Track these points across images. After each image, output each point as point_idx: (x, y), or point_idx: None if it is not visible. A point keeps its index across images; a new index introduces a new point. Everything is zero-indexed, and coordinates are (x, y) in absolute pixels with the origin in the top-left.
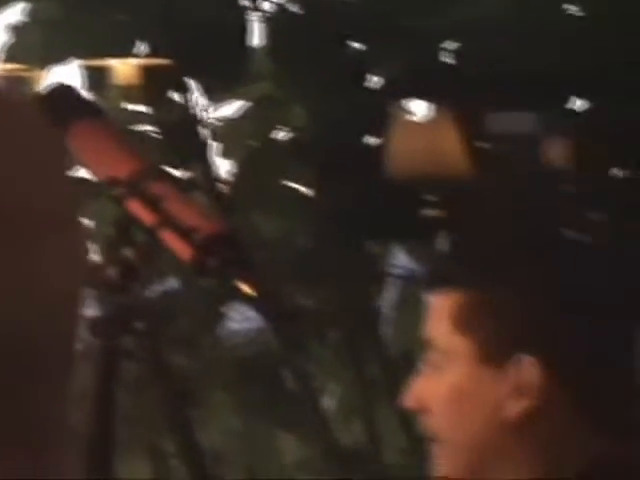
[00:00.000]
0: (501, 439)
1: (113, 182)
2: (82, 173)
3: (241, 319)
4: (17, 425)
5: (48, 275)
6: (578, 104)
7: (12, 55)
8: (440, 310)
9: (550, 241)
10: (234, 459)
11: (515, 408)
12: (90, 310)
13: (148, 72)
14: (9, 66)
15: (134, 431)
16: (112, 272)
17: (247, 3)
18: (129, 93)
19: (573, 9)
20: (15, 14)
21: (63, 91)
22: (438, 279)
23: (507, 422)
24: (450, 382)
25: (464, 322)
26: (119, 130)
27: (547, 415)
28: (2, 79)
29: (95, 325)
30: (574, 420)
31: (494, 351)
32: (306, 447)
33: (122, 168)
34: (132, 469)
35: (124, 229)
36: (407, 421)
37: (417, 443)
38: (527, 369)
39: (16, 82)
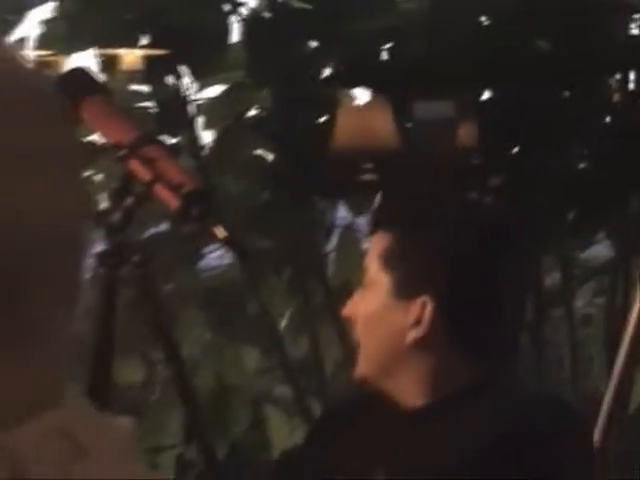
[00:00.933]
0: (399, 357)
1: (118, 146)
2: (93, 138)
3: (215, 256)
4: (29, 336)
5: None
6: (484, 95)
7: (42, 44)
8: (373, 249)
9: (456, 200)
10: (207, 366)
11: (412, 336)
12: (98, 246)
13: (148, 60)
14: (39, 53)
15: (130, 342)
16: (116, 216)
17: (229, 8)
18: (133, 76)
19: (483, 19)
20: (44, 11)
21: (78, 73)
22: (373, 225)
23: (405, 345)
24: (371, 304)
25: (386, 262)
26: (121, 106)
27: (433, 343)
28: (32, 63)
29: (101, 257)
30: (453, 348)
31: (404, 289)
32: (265, 358)
33: (125, 135)
34: (128, 373)
35: (126, 183)
36: (344, 338)
37: (351, 357)
38: (425, 307)
39: (43, 65)
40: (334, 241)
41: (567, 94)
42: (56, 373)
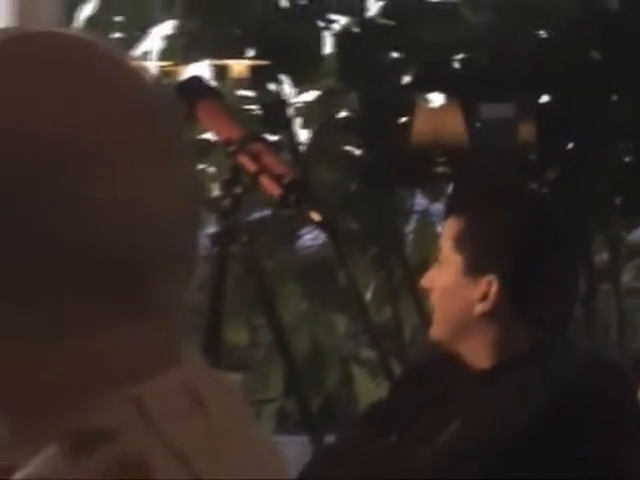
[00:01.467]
0: (468, 326)
1: (228, 142)
2: (207, 136)
3: (310, 237)
4: (157, 306)
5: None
6: (542, 98)
7: (163, 56)
8: (447, 232)
9: (517, 190)
10: (303, 331)
11: (479, 309)
12: (211, 228)
13: (253, 69)
14: (161, 63)
15: (238, 310)
16: (227, 202)
17: (323, 24)
18: (240, 83)
19: (541, 33)
20: (165, 28)
21: (195, 81)
22: (446, 210)
23: (473, 316)
24: (444, 279)
25: (458, 243)
26: (229, 108)
27: (498, 315)
28: (156, 72)
29: (214, 238)
30: (516, 319)
31: (472, 268)
32: (353, 324)
33: (234, 133)
34: (235, 335)
35: (235, 174)
36: (421, 308)
37: (427, 324)
38: (491, 285)
39: (164, 75)
40: (412, 224)
41: (614, 97)
42: (177, 336)
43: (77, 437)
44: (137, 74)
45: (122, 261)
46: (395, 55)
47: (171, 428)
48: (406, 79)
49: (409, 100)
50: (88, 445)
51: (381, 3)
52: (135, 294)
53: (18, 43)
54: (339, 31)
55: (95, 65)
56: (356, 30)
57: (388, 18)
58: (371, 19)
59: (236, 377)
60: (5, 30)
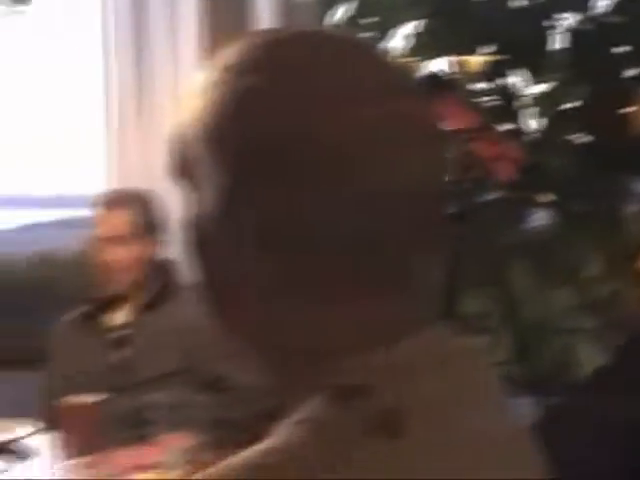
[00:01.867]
0: None
1: (465, 130)
2: (444, 125)
3: (539, 217)
4: (414, 278)
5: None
6: None
7: (408, 52)
8: None
9: None
10: (529, 302)
11: None
12: (450, 208)
13: (488, 64)
14: (406, 59)
15: (472, 282)
16: (463, 185)
17: (553, 22)
18: (477, 77)
19: None
20: (409, 27)
21: (434, 75)
22: None
23: None
24: None
25: None
26: (465, 100)
27: None
28: (406, 67)
29: (452, 217)
30: None
31: None
32: (570, 299)
33: (470, 122)
34: (469, 305)
35: (470, 159)
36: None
37: None
38: None
39: (411, 69)
40: (633, 207)
41: None
42: (425, 304)
43: (337, 390)
44: (392, 68)
45: (376, 237)
46: (621, 50)
47: (419, 386)
48: (630, 72)
49: (633, 92)
50: (348, 397)
51: (609, 2)
52: (391, 268)
53: (285, 41)
54: (570, 28)
55: (352, 62)
56: (587, 27)
57: (619, 15)
58: (600, 16)
59: (479, 340)
60: (272, 31)
